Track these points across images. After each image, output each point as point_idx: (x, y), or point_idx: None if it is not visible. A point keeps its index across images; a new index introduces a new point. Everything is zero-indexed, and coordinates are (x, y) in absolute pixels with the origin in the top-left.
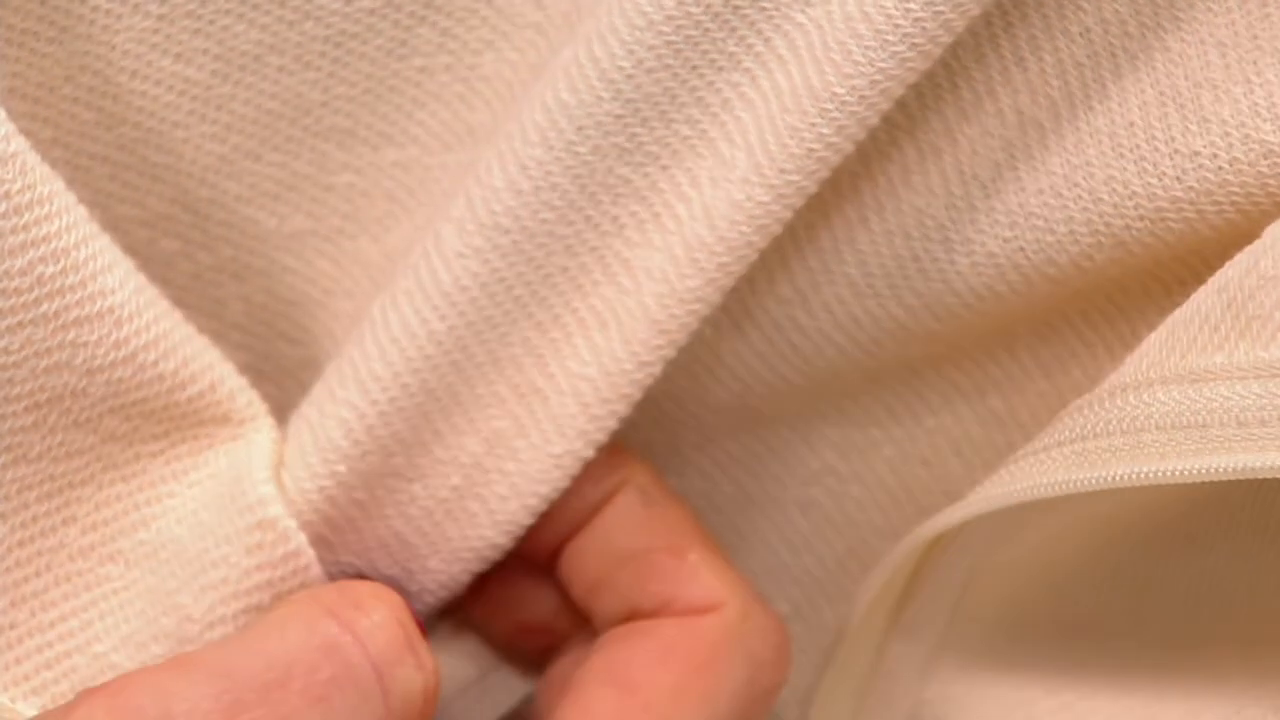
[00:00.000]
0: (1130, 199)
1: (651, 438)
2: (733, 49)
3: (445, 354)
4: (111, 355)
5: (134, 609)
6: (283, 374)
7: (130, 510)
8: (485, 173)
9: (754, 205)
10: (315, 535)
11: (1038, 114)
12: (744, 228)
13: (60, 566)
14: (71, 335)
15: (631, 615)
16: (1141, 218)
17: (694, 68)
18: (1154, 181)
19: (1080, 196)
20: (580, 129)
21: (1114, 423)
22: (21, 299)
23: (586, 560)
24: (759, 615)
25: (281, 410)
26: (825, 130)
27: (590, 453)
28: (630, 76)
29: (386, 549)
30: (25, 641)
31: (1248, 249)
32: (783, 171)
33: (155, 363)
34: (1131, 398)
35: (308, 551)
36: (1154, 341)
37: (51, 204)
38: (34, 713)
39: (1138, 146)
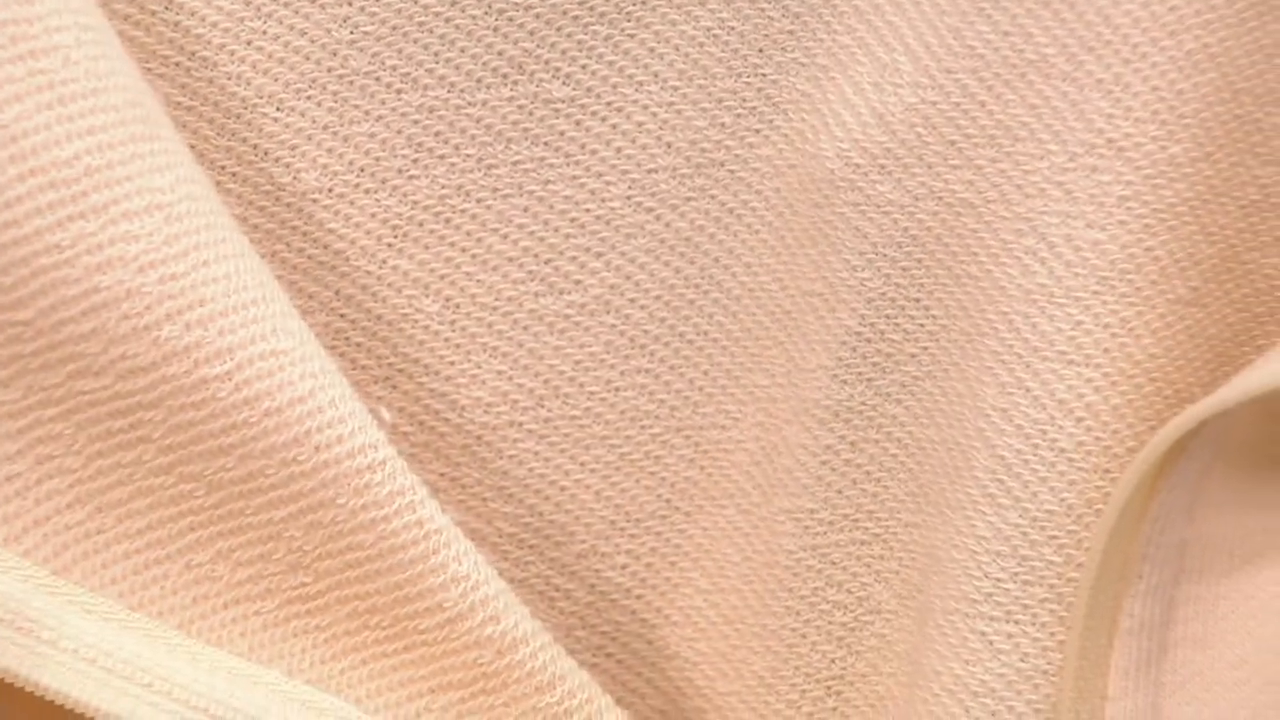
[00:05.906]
0: None
1: None
2: None
3: None
4: (164, 251)
5: (228, 525)
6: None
7: (206, 438)
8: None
9: (927, 106)
10: None
11: None
12: (920, 129)
13: (141, 480)
14: (124, 229)
15: None
16: None
17: None
18: None
19: None
20: (760, 49)
21: None
22: (70, 190)
23: None
24: None
25: None
26: (983, 28)
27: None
28: None
29: None
30: (111, 547)
31: None
32: (949, 72)
33: (207, 263)
34: None
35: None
36: None
37: (99, 98)
38: (124, 613)
39: None
